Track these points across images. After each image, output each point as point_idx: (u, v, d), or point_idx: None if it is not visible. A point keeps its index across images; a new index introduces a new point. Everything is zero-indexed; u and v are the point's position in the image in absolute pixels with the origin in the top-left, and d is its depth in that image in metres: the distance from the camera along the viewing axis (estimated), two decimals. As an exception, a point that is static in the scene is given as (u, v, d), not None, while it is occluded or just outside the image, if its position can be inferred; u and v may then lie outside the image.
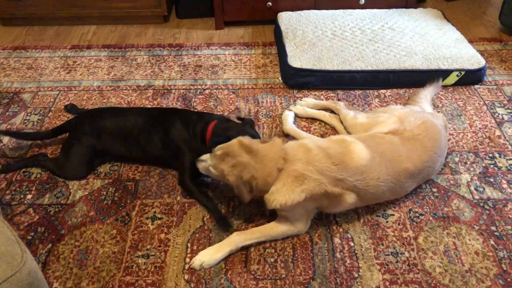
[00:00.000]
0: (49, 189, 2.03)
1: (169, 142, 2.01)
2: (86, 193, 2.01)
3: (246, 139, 1.74)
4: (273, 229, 1.78)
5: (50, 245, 1.80)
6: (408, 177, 1.82)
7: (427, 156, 1.85)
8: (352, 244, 1.78)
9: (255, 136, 1.90)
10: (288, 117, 2.32)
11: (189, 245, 1.79)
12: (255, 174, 1.67)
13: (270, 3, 3.19)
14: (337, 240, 1.80)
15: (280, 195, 1.68)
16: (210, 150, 1.84)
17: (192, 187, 1.96)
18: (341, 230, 1.84)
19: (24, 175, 2.11)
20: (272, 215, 1.83)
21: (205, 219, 1.89)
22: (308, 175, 1.67)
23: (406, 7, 3.25)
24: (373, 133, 1.94)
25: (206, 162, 1.80)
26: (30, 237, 1.83)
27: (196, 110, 2.41)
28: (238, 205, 1.95)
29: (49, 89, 2.67)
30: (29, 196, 2.00)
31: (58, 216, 1.91)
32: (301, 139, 2.02)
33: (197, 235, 1.82)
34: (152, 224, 1.87)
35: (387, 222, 1.86)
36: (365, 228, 1.84)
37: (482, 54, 2.74)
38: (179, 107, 2.48)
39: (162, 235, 1.83)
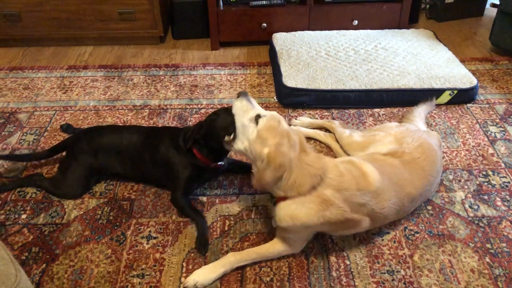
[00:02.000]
0: (44, 209, 2.02)
1: (160, 160, 2.01)
2: (81, 212, 2.01)
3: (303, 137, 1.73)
4: (269, 250, 1.77)
5: (44, 265, 1.78)
6: (410, 201, 1.82)
7: (427, 180, 1.86)
8: (348, 262, 1.78)
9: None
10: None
11: (184, 264, 1.78)
12: (293, 171, 1.62)
13: (265, 24, 3.24)
14: (333, 259, 1.79)
15: (301, 212, 1.64)
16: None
17: (183, 203, 1.96)
18: (337, 248, 1.83)
19: (19, 194, 2.10)
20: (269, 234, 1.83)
21: (200, 238, 1.89)
22: (334, 203, 1.63)
23: (399, 27, 3.31)
24: (373, 154, 1.94)
25: (252, 109, 1.71)
26: (24, 257, 1.81)
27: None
28: (233, 224, 1.94)
29: (45, 109, 2.68)
30: (23, 216, 1.99)
31: (52, 236, 1.90)
32: None
33: (192, 255, 1.82)
34: (147, 244, 1.86)
35: (382, 240, 1.87)
36: (361, 247, 1.84)
37: (473, 74, 2.79)
38: (173, 126, 2.50)
39: (157, 255, 1.82)
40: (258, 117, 1.67)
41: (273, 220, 1.79)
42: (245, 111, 1.72)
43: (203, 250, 1.82)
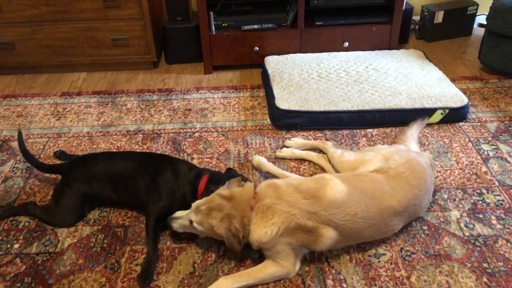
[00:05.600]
0: (37, 238, 2.00)
1: (153, 189, 2.00)
2: (75, 240, 1.99)
3: (224, 190, 1.81)
4: (261, 270, 1.77)
5: (37, 295, 1.76)
6: (392, 215, 1.82)
7: (412, 193, 1.86)
8: (345, 285, 1.76)
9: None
10: (261, 160, 2.31)
11: (179, 291, 1.76)
12: (235, 219, 1.72)
13: (257, 48, 3.27)
14: (329, 282, 1.78)
15: (254, 232, 1.73)
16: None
17: (150, 228, 1.94)
18: (333, 271, 1.82)
19: (11, 223, 2.08)
20: (261, 257, 1.82)
21: (195, 265, 1.86)
22: (277, 208, 1.72)
23: (389, 48, 3.36)
24: (358, 172, 1.96)
25: (183, 219, 1.83)
26: (16, 288, 1.79)
27: (185, 160, 2.41)
28: (229, 249, 1.93)
29: (39, 136, 2.68)
30: (16, 246, 1.97)
31: (46, 265, 1.88)
32: (283, 177, 2.08)
33: (186, 281, 1.79)
34: (142, 271, 1.84)
35: (379, 261, 1.85)
36: (358, 269, 1.83)
37: (464, 92, 2.82)
38: (169, 153, 2.49)
39: (152, 282, 1.79)
40: (191, 222, 1.80)
41: (252, 252, 1.88)
42: (184, 226, 1.85)
43: (142, 283, 1.78)
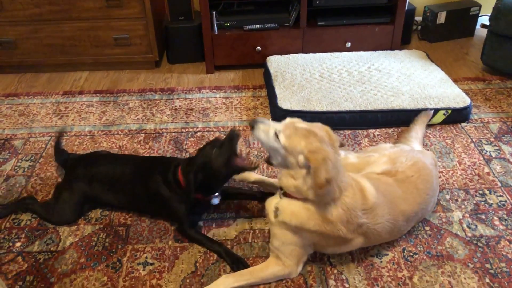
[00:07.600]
0: (39, 236, 2.00)
1: (151, 193, 1.99)
2: (77, 239, 1.98)
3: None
4: (263, 269, 1.76)
5: (38, 294, 1.76)
6: (405, 219, 1.82)
7: (421, 198, 1.86)
8: (347, 285, 1.76)
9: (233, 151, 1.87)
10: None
11: (181, 290, 1.76)
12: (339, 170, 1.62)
13: (259, 48, 3.27)
14: (331, 282, 1.77)
15: (305, 215, 1.65)
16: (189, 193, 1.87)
17: (195, 235, 1.94)
18: (335, 271, 1.82)
19: (13, 222, 2.08)
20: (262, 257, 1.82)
21: (197, 264, 1.86)
22: (336, 224, 1.66)
23: (391, 49, 3.35)
24: (368, 174, 1.95)
25: (270, 127, 1.67)
26: (18, 287, 1.78)
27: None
28: (231, 248, 1.92)
29: (41, 135, 2.68)
30: (18, 244, 1.97)
31: (47, 263, 1.87)
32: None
33: (188, 280, 1.79)
34: (143, 270, 1.84)
35: (381, 262, 1.85)
36: (360, 269, 1.82)
37: (466, 93, 2.81)
38: (171, 152, 2.49)
39: (154, 281, 1.79)
40: (276, 135, 1.65)
41: (269, 212, 1.78)
42: (266, 134, 1.68)
43: (244, 267, 1.80)
